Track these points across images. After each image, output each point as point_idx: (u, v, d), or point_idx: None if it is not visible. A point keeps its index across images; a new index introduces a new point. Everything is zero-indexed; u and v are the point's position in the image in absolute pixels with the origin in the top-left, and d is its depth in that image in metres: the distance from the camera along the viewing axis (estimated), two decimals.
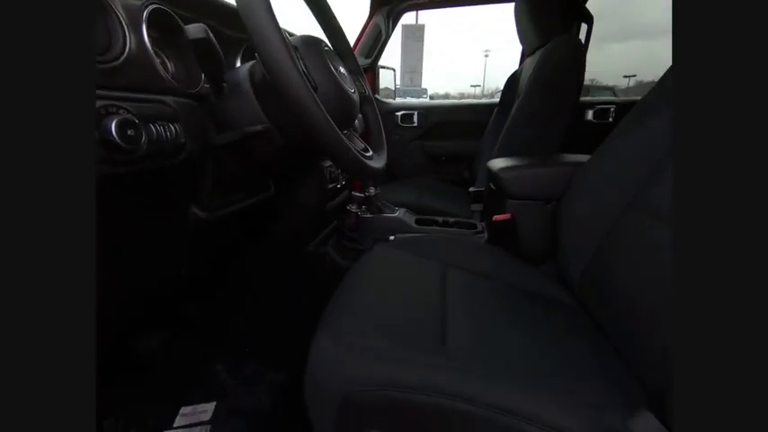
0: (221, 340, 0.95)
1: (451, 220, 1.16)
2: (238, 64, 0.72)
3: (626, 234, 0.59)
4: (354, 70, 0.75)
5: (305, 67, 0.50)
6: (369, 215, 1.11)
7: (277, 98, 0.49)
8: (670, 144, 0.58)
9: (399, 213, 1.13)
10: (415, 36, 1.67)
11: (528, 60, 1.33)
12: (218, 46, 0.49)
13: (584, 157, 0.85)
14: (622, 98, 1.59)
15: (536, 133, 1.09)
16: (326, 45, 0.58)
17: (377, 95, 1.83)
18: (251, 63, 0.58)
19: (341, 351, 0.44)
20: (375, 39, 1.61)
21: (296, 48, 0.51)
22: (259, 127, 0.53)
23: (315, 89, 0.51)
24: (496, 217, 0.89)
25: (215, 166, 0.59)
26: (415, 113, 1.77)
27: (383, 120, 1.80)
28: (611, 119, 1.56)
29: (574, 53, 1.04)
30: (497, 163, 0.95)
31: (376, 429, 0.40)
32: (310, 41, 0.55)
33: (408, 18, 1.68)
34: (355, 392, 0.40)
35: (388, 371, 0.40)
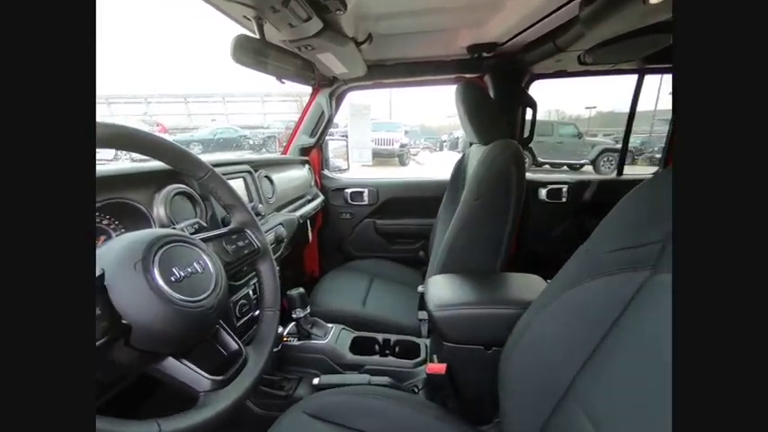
0: None
1: (393, 339, 1.02)
2: None
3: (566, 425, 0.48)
4: (246, 222, 0.63)
5: (106, 304, 0.36)
6: (296, 342, 0.96)
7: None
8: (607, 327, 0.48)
9: (332, 336, 0.98)
10: (361, 114, 1.62)
11: (473, 149, 1.27)
12: None
13: (529, 291, 0.75)
14: (576, 178, 1.55)
15: (479, 236, 1.00)
16: (174, 238, 0.45)
17: (325, 170, 1.73)
18: None
19: None
20: (318, 118, 1.53)
21: (99, 278, 0.37)
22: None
23: (125, 330, 0.37)
24: (431, 368, 0.76)
25: None
26: (366, 190, 1.67)
27: (332, 196, 1.71)
28: (564, 199, 1.52)
29: (514, 158, 0.97)
30: (434, 291, 0.84)
31: None
32: (125, 249, 0.40)
33: (355, 95, 1.63)
34: None
35: None
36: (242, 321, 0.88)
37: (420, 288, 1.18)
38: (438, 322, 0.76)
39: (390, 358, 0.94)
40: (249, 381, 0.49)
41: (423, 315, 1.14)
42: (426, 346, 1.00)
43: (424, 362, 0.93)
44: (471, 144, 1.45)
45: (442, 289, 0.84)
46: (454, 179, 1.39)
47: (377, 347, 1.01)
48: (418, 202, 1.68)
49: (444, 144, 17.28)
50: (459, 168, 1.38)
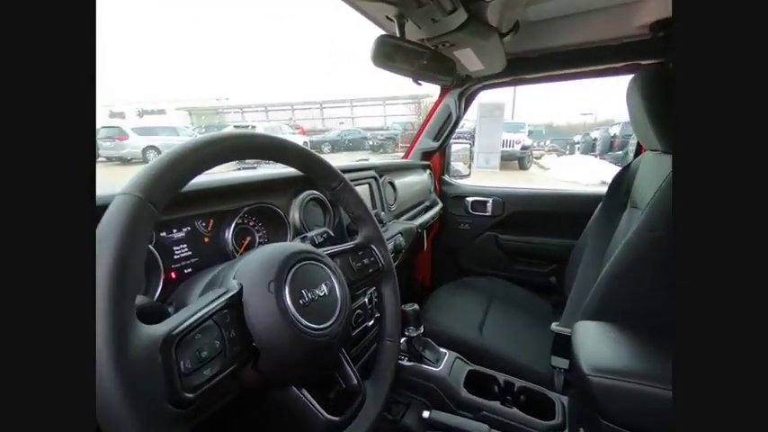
0: None
1: (517, 385, 0.85)
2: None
3: None
4: (373, 237, 0.58)
5: (241, 325, 0.34)
6: (407, 362, 0.89)
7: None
8: None
9: (446, 364, 0.88)
10: (492, 115, 1.45)
11: (649, 159, 0.97)
12: None
13: None
14: None
15: (662, 281, 0.73)
16: (306, 256, 0.42)
17: (445, 176, 1.63)
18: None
19: None
20: (444, 121, 1.44)
21: (237, 293, 0.36)
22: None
23: (254, 353, 0.35)
24: None
25: None
26: (490, 200, 1.50)
27: (451, 203, 1.59)
28: None
29: None
30: (590, 345, 0.64)
31: None
32: (273, 258, 0.39)
33: (486, 93, 1.47)
34: None
35: None
36: (356, 331, 0.87)
37: (555, 326, 0.97)
38: (596, 391, 0.57)
39: (515, 410, 0.78)
40: (366, 425, 0.43)
41: (558, 362, 0.93)
42: (563, 405, 0.80)
43: (560, 428, 0.74)
44: (640, 150, 1.13)
45: (600, 344, 0.64)
46: (613, 196, 1.10)
47: (496, 389, 0.86)
48: (553, 219, 1.42)
49: (577, 146, 14.99)
50: (622, 183, 1.08)
